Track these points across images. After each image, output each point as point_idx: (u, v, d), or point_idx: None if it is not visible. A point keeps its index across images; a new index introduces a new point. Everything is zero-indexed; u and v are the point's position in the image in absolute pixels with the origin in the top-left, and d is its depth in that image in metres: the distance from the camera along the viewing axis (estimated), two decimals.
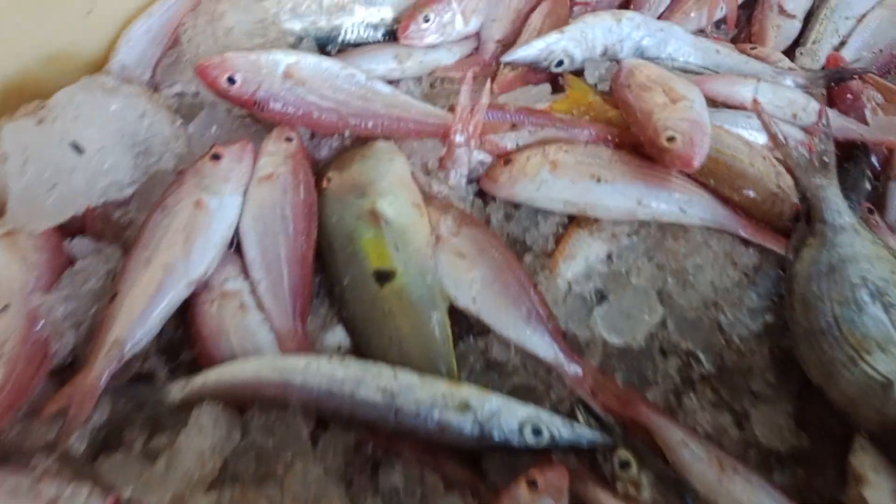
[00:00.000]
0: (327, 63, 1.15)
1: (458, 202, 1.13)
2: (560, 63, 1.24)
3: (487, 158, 1.17)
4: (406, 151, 1.14)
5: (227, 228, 1.02)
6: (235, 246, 1.04)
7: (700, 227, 1.10)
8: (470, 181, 1.17)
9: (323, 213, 1.08)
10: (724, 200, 1.10)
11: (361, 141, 1.15)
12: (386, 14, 1.28)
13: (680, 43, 1.35)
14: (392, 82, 1.23)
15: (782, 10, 1.51)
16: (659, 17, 1.54)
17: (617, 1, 1.57)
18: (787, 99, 1.22)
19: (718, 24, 1.54)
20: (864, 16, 1.50)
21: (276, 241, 1.03)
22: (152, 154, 1.05)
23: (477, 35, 1.36)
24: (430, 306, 1.01)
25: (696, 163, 1.01)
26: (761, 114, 1.15)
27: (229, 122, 1.14)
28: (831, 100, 1.32)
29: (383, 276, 1.02)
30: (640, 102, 1.13)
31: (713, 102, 1.20)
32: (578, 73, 1.27)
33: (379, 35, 1.30)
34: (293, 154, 1.09)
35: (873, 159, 1.24)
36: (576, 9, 1.50)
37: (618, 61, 1.27)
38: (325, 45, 1.30)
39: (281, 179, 1.06)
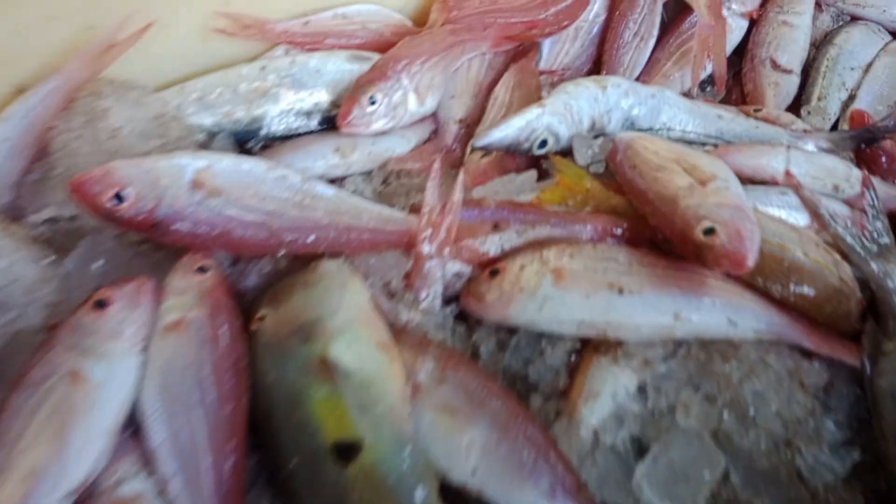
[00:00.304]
0: (249, 164, 0.88)
1: (436, 332, 0.86)
2: (544, 143, 1.00)
3: (467, 269, 0.90)
4: (361, 271, 0.87)
5: (117, 407, 0.73)
6: (133, 429, 0.74)
7: (753, 340, 0.84)
8: (447, 301, 0.90)
9: (256, 367, 0.79)
10: (778, 304, 0.86)
11: (302, 262, 0.87)
12: (320, 97, 1.03)
13: (675, 109, 1.13)
14: (335, 181, 0.96)
15: (776, 65, 1.31)
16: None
17: (586, 68, 1.35)
18: (824, 168, 1.00)
19: (704, 86, 1.33)
20: (870, 65, 1.31)
21: (191, 417, 0.74)
22: (10, 308, 0.75)
23: (434, 116, 1.11)
24: (413, 487, 0.72)
25: (750, 261, 0.77)
26: (800, 189, 0.92)
27: (120, 252, 0.85)
28: (862, 164, 1.10)
29: (345, 451, 0.73)
30: (657, 186, 0.89)
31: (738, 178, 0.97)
32: (565, 153, 1.03)
33: (313, 124, 1.04)
34: (210, 289, 0.80)
35: None
36: (542, 77, 1.28)
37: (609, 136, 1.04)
38: (246, 142, 1.03)
39: (194, 327, 0.78)
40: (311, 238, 0.86)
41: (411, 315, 0.86)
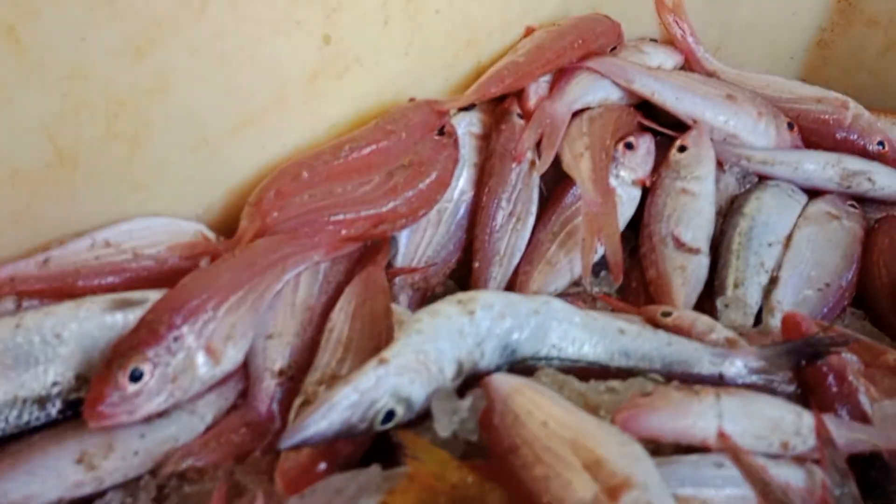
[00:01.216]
0: None
1: None
2: (389, 415, 0.70)
3: None
4: None
5: None
6: None
7: None
8: None
9: None
10: None
11: None
12: (61, 373, 0.70)
13: (566, 326, 0.87)
14: None
15: (680, 244, 1.09)
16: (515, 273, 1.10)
17: (455, 258, 1.10)
18: (768, 421, 0.74)
19: (598, 272, 1.10)
20: (790, 237, 1.10)
21: None
22: None
23: (243, 367, 0.81)
24: None
25: None
26: (740, 459, 0.66)
27: None
28: (804, 388, 0.86)
29: None
30: (549, 492, 0.60)
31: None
32: (423, 418, 0.74)
33: (53, 413, 0.70)
34: None
35: None
36: (399, 279, 1.01)
37: (483, 380, 0.76)
38: None
39: None
40: None
41: None
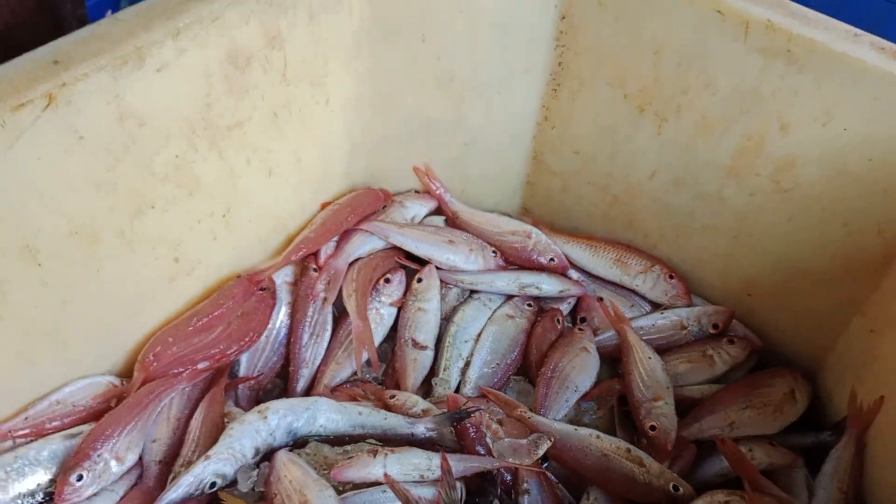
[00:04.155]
0: None
1: None
2: (213, 484, 1.37)
3: None
4: None
5: None
6: None
7: None
8: None
9: None
10: None
11: None
12: (41, 478, 1.37)
13: (328, 413, 1.53)
14: None
15: (416, 343, 1.78)
16: (318, 370, 1.77)
17: (279, 364, 1.76)
18: (412, 464, 1.43)
19: (369, 364, 1.78)
20: (479, 335, 1.80)
21: None
22: None
23: (139, 461, 1.47)
24: None
25: None
26: (395, 487, 1.36)
27: None
28: (460, 434, 1.56)
29: None
30: None
31: None
32: (233, 483, 1.41)
33: (38, 500, 1.37)
34: None
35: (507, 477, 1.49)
36: (242, 386, 1.67)
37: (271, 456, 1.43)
38: None
39: None
40: None
41: None
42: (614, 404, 1.70)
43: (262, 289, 1.77)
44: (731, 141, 1.67)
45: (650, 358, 1.71)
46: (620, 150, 1.89)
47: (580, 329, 1.81)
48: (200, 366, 1.61)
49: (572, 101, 1.90)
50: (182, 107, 1.42)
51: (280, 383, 1.78)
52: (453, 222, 2.05)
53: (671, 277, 1.90)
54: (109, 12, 3.36)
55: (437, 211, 2.08)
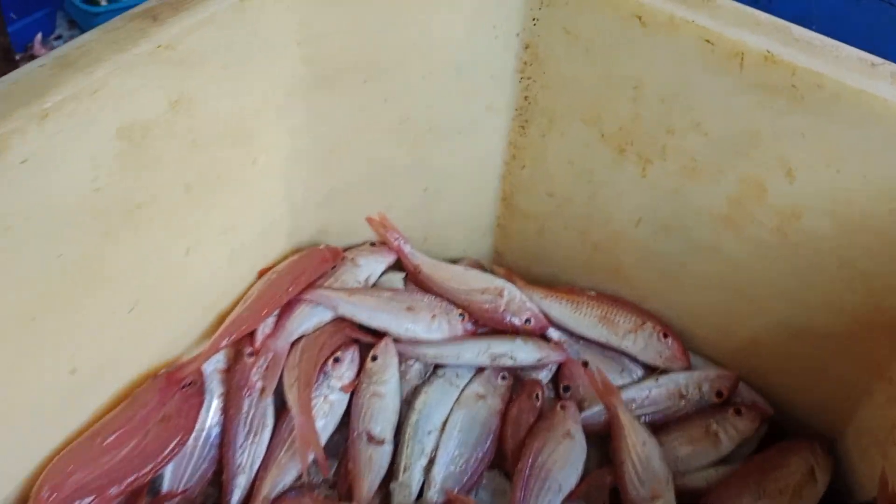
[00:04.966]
0: None
1: None
2: None
3: None
4: None
5: None
6: None
7: None
8: None
9: None
10: None
11: None
12: None
13: None
14: None
15: (371, 438, 1.53)
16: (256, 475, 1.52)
17: (210, 472, 1.51)
18: None
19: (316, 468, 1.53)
20: (445, 422, 1.55)
21: None
22: None
23: None
24: None
25: None
26: None
27: None
28: None
29: None
30: None
31: None
32: None
33: None
34: None
35: None
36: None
37: None
38: None
39: None
40: None
41: None
42: (605, 502, 1.45)
43: (185, 385, 1.50)
44: (726, 187, 1.42)
45: (645, 444, 1.46)
46: (599, 192, 1.64)
47: (562, 407, 1.55)
48: (112, 491, 1.35)
49: (542, 138, 1.65)
50: (61, 199, 1.15)
51: (214, 493, 1.52)
52: (415, 277, 1.79)
53: (665, 336, 1.65)
54: (39, 35, 3.07)
55: (397, 265, 1.82)
